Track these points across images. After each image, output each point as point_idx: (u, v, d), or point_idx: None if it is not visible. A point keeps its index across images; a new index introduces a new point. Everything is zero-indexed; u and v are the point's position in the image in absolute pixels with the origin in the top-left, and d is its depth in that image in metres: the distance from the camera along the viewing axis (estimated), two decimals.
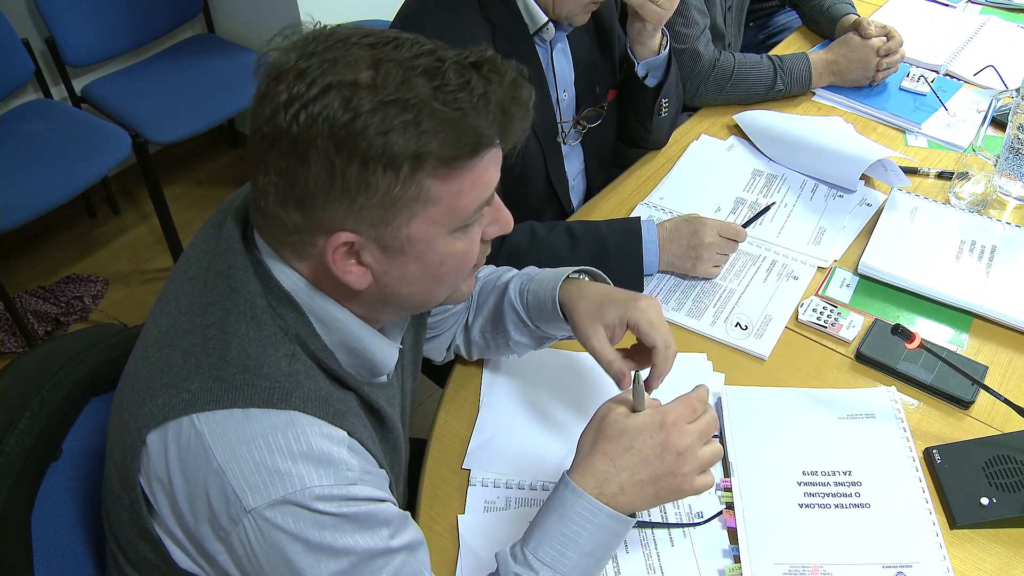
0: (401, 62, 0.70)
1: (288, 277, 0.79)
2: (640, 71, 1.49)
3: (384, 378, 0.92)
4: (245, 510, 0.71)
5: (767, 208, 1.46)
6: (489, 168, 0.77)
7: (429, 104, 0.69)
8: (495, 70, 0.73)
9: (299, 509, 0.72)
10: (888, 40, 1.79)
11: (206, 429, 0.73)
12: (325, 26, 0.75)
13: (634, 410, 0.89)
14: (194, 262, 0.83)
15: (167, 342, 0.78)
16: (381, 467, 0.83)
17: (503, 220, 0.84)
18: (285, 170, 0.72)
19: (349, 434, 0.78)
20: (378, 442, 0.88)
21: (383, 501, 0.78)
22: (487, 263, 1.22)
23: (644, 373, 0.95)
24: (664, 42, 1.47)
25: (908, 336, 1.10)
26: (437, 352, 1.19)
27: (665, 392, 1.17)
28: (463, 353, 1.21)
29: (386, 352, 0.87)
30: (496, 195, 0.81)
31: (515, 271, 1.16)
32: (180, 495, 0.74)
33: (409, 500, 1.10)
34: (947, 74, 1.89)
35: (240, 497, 0.71)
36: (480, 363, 1.23)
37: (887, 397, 1.16)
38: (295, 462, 0.72)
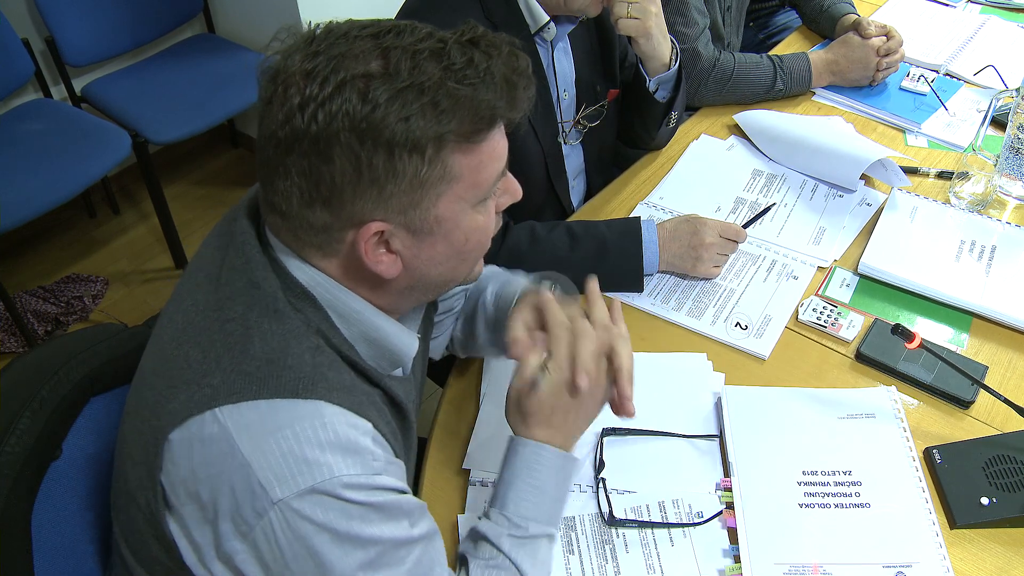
0: (407, 48, 0.71)
1: (305, 273, 0.80)
2: (651, 86, 1.49)
3: (401, 372, 0.92)
4: (272, 502, 0.71)
5: (767, 209, 1.46)
6: (501, 140, 0.79)
7: (443, 84, 0.71)
8: (491, 44, 0.75)
9: (328, 498, 0.72)
10: (888, 40, 1.79)
11: (230, 422, 0.72)
12: (318, 24, 0.75)
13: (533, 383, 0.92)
14: (208, 259, 0.83)
15: (185, 339, 0.78)
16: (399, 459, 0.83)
17: (513, 189, 0.85)
18: (308, 171, 0.73)
19: (372, 426, 0.79)
20: (400, 438, 0.88)
21: (404, 492, 0.79)
22: (486, 263, 1.23)
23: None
24: (674, 54, 1.47)
25: (908, 336, 1.10)
26: (436, 351, 1.20)
27: (668, 392, 1.17)
28: (453, 350, 1.21)
29: (406, 341, 0.88)
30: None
31: (499, 275, 1.15)
32: (204, 492, 0.73)
33: None
34: (947, 74, 1.89)
35: (267, 489, 0.71)
36: (480, 362, 1.23)
37: (887, 397, 1.16)
38: (323, 451, 0.72)
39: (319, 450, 0.72)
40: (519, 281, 1.10)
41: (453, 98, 0.71)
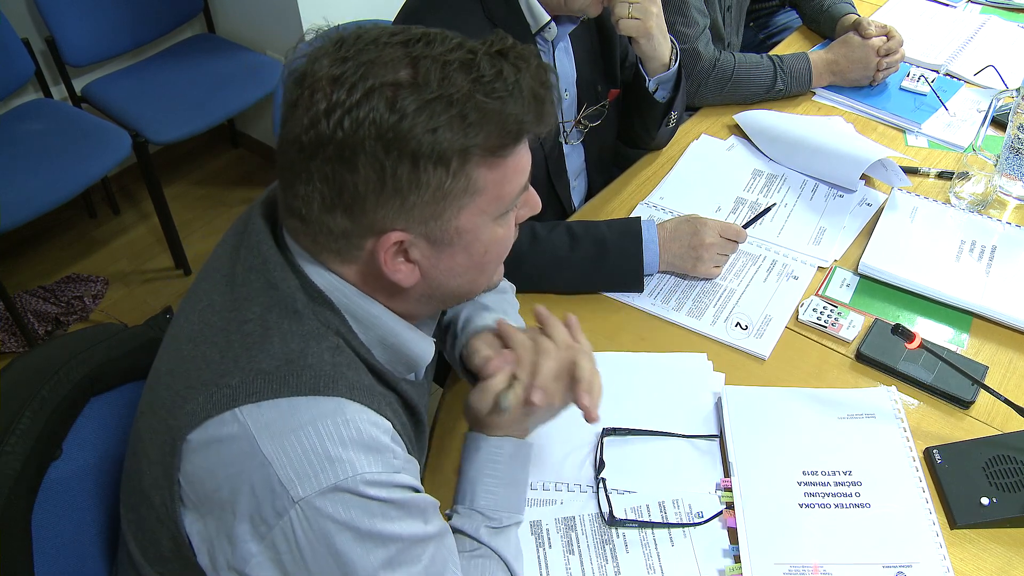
0: (437, 58, 0.71)
1: (323, 277, 0.80)
2: (651, 86, 1.49)
3: (413, 376, 0.92)
4: (293, 500, 0.70)
5: (768, 209, 1.46)
6: (526, 154, 0.79)
7: (472, 97, 0.71)
8: (520, 56, 0.74)
9: (350, 496, 0.71)
10: (888, 40, 1.79)
11: (250, 421, 0.72)
12: (347, 28, 0.75)
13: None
14: (224, 259, 0.83)
15: (202, 339, 0.78)
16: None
17: (533, 202, 0.86)
18: (331, 177, 0.72)
19: (391, 425, 0.79)
20: (414, 441, 0.89)
21: (419, 490, 0.79)
22: None
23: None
24: (674, 54, 1.47)
25: (908, 336, 1.10)
26: None
27: (668, 392, 1.17)
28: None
29: (422, 346, 0.88)
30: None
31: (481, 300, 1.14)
32: (223, 492, 0.72)
33: None
34: (947, 74, 1.89)
35: (287, 487, 0.70)
36: None
37: (887, 397, 1.16)
38: (346, 448, 0.72)
39: (341, 447, 0.72)
40: (485, 317, 1.07)
41: (481, 111, 0.71)
